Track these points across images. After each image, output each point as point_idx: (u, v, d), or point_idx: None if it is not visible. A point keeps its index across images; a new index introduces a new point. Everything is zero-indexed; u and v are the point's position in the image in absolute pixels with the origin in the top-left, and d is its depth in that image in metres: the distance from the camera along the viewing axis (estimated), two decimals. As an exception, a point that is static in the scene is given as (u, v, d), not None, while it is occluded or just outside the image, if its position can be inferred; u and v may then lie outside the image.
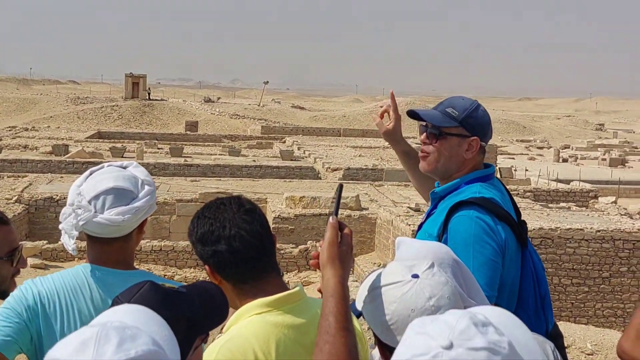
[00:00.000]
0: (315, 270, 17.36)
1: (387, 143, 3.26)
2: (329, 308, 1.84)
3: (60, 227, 2.43)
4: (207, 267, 2.05)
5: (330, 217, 1.94)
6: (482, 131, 2.77)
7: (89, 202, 2.37)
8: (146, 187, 2.46)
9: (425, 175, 2.99)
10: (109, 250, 2.42)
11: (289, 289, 2.07)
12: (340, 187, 2.05)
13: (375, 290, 1.83)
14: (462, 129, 2.73)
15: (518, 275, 2.64)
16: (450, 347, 1.29)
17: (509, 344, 1.33)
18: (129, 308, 1.45)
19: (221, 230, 2.01)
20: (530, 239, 2.81)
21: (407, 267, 1.81)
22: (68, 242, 2.42)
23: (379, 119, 3.20)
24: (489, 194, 2.67)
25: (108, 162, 2.58)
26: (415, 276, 1.78)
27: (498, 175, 37.62)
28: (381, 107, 3.19)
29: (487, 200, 2.61)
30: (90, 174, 2.47)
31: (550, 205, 23.22)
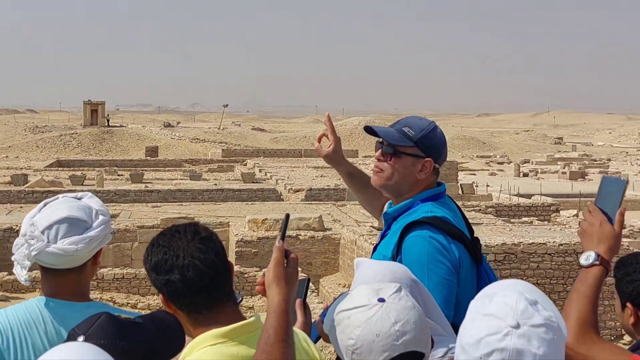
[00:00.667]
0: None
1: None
2: (269, 322, 1.87)
3: (12, 258, 2.38)
4: (161, 295, 2.01)
5: (277, 242, 2.01)
6: (437, 153, 2.78)
7: (42, 232, 2.33)
8: (100, 217, 2.43)
9: (372, 194, 3.00)
10: (63, 282, 2.38)
11: (245, 319, 2.03)
12: (287, 216, 2.12)
13: (340, 313, 1.82)
14: (417, 149, 2.74)
15: (474, 293, 2.62)
16: (517, 326, 1.57)
17: (557, 317, 1.65)
18: (75, 346, 1.42)
19: (174, 259, 1.96)
20: (485, 255, 2.83)
21: (374, 290, 1.80)
22: (20, 272, 2.39)
23: (317, 144, 3.18)
24: (441, 212, 2.67)
25: (63, 194, 2.55)
26: (382, 300, 1.77)
27: (460, 192, 38.01)
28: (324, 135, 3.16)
29: (440, 219, 2.62)
30: (45, 205, 2.44)
31: (512, 220, 23.47)
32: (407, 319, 1.75)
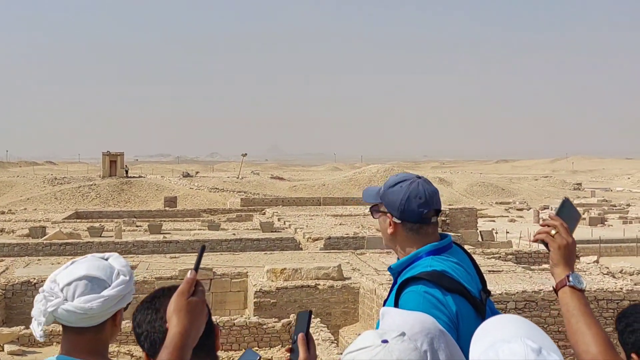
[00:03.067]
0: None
1: (367, 210, 3.31)
2: (160, 358, 1.83)
3: (31, 313, 2.43)
4: (144, 353, 2.09)
5: (189, 272, 1.97)
6: (393, 207, 2.80)
7: (62, 289, 2.38)
8: (121, 277, 2.46)
9: None
10: (80, 340, 2.40)
11: None
12: (203, 247, 2.10)
13: (347, 355, 1.87)
14: (383, 205, 2.83)
15: None
16: None
17: (560, 357, 1.71)
18: None
19: (155, 320, 2.06)
20: (494, 305, 2.85)
21: (379, 334, 1.86)
22: (36, 328, 2.44)
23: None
24: (441, 266, 2.68)
25: (92, 254, 2.61)
26: (385, 341, 1.82)
27: (479, 239, 37.65)
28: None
29: (438, 273, 2.63)
30: (72, 263, 2.49)
31: (532, 267, 23.21)
32: (408, 358, 1.80)
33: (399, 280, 2.77)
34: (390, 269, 2.87)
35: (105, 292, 2.37)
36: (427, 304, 2.54)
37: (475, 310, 2.65)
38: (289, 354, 2.38)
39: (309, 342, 2.33)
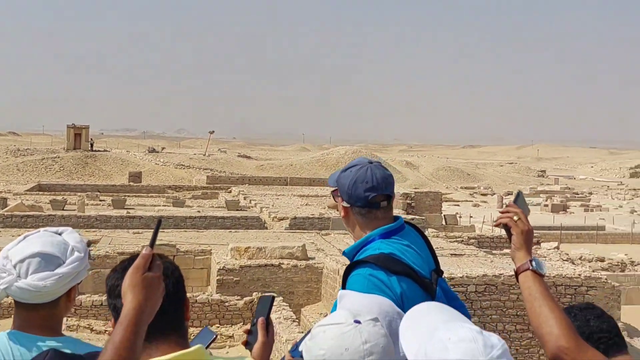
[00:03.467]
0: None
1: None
2: (114, 334, 1.81)
3: (-16, 289, 2.38)
4: (112, 320, 2.05)
5: (145, 248, 1.94)
6: (343, 191, 2.88)
7: (14, 266, 2.33)
8: (75, 254, 2.42)
9: None
10: (34, 316, 2.37)
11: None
12: (159, 221, 2.08)
13: (317, 327, 1.91)
14: (337, 190, 2.91)
15: None
16: None
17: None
18: None
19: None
20: (450, 288, 2.89)
21: (352, 314, 1.89)
22: None
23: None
24: (389, 249, 2.74)
25: (45, 228, 2.54)
26: (357, 322, 1.86)
27: (443, 222, 37.97)
28: None
29: (385, 256, 2.69)
30: (24, 238, 2.44)
31: (494, 251, 23.52)
32: (377, 342, 1.83)
33: None
34: (344, 253, 2.96)
35: (60, 270, 2.34)
36: (371, 286, 2.59)
37: (424, 290, 2.70)
38: (246, 335, 2.39)
39: (268, 326, 2.34)
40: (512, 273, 2.51)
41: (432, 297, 2.70)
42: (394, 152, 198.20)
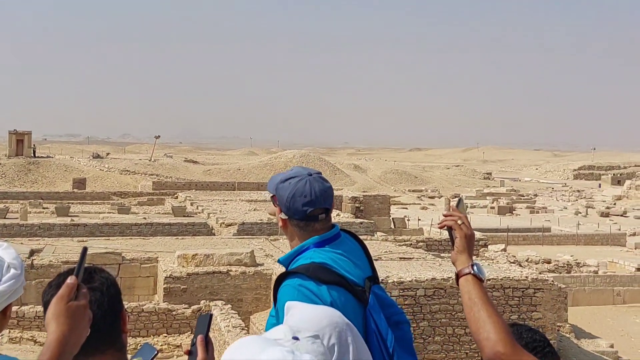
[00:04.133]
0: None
1: None
2: None
3: None
4: None
5: (69, 277, 1.92)
6: (281, 203, 2.88)
7: None
8: (11, 271, 2.35)
9: None
10: None
11: None
12: (84, 250, 2.05)
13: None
14: (275, 198, 2.91)
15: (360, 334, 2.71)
16: None
17: None
18: None
19: None
20: (387, 294, 2.89)
21: (292, 329, 1.86)
22: None
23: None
24: (320, 258, 2.76)
25: None
26: (296, 338, 1.82)
27: (392, 226, 38.15)
28: None
29: (315, 265, 2.71)
30: None
31: (442, 254, 23.67)
32: (316, 358, 1.80)
33: None
34: (279, 261, 2.99)
35: None
36: (300, 297, 2.61)
37: (356, 298, 2.71)
38: (187, 356, 2.36)
39: (207, 344, 2.28)
40: (454, 274, 2.52)
41: (364, 304, 2.74)
42: (342, 155, 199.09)
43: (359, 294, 2.73)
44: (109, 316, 2.18)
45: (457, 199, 2.72)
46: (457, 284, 2.40)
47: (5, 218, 31.70)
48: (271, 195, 2.97)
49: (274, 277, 19.71)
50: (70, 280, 1.89)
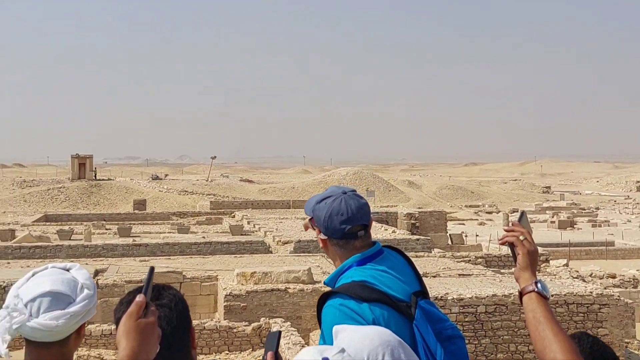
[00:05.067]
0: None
1: None
2: None
3: (-6, 330, 2.38)
4: None
5: (138, 296, 1.96)
6: (319, 223, 2.91)
7: (25, 305, 2.32)
8: (85, 292, 2.40)
9: None
10: (45, 355, 2.36)
11: None
12: (151, 269, 2.09)
13: None
14: (313, 220, 2.93)
15: None
16: None
17: None
18: None
19: None
20: (436, 310, 2.84)
21: (319, 350, 1.86)
22: (1, 346, 2.36)
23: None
24: (361, 276, 2.78)
25: (52, 264, 2.53)
26: (325, 359, 1.82)
27: (449, 242, 37.79)
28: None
29: (355, 284, 2.74)
30: (33, 275, 2.43)
31: (502, 270, 23.38)
32: None
33: None
34: (325, 283, 3.01)
35: (71, 309, 2.32)
36: (342, 316, 2.65)
37: (401, 314, 2.72)
38: None
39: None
40: (517, 292, 2.48)
41: (409, 320, 2.73)
42: (396, 171, 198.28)
43: (403, 310, 2.73)
44: (178, 332, 2.23)
45: (519, 213, 2.64)
46: (521, 302, 2.34)
47: (70, 239, 32.55)
48: (309, 217, 2.99)
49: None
50: (139, 298, 1.95)
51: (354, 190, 3.00)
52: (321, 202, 2.92)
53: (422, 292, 2.86)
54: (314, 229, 2.98)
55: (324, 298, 2.77)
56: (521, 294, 2.35)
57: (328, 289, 2.92)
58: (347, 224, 2.86)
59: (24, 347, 2.43)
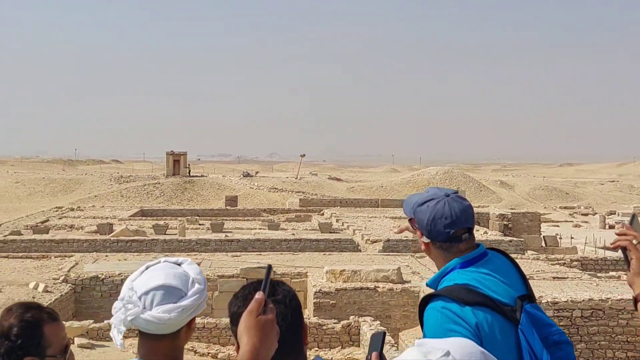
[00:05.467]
0: (359, 346, 16.74)
1: None
2: None
3: (110, 321, 2.46)
4: (235, 345, 2.12)
5: (257, 293, 1.99)
6: (422, 226, 2.87)
7: (139, 297, 2.40)
8: (196, 286, 2.47)
9: None
10: (157, 346, 2.44)
11: None
12: (269, 267, 2.11)
13: None
14: (414, 221, 2.91)
15: (511, 355, 2.65)
16: None
17: None
18: None
19: None
20: (540, 314, 2.76)
21: (423, 352, 1.86)
22: (116, 336, 2.46)
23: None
24: (464, 279, 2.74)
25: (165, 258, 2.61)
26: None
27: (543, 244, 36.79)
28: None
29: (458, 287, 2.70)
30: (146, 268, 2.51)
31: (599, 274, 22.62)
32: None
33: None
34: (427, 284, 2.99)
35: (183, 302, 2.39)
36: (444, 319, 2.62)
37: (505, 318, 2.67)
38: None
39: None
40: (621, 297, 2.43)
41: (515, 324, 2.67)
42: (487, 171, 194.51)
43: (507, 314, 2.67)
44: (293, 328, 2.25)
45: (630, 216, 2.54)
46: (636, 308, 2.27)
47: (165, 234, 33.52)
48: (409, 218, 2.96)
49: (422, 295, 19.65)
50: (259, 295, 1.98)
51: (457, 192, 2.95)
52: (423, 204, 2.87)
53: (528, 296, 2.79)
54: (414, 231, 2.95)
55: (426, 300, 2.74)
56: (636, 300, 2.29)
57: (430, 290, 2.88)
58: (452, 228, 2.82)
59: (137, 339, 2.55)
